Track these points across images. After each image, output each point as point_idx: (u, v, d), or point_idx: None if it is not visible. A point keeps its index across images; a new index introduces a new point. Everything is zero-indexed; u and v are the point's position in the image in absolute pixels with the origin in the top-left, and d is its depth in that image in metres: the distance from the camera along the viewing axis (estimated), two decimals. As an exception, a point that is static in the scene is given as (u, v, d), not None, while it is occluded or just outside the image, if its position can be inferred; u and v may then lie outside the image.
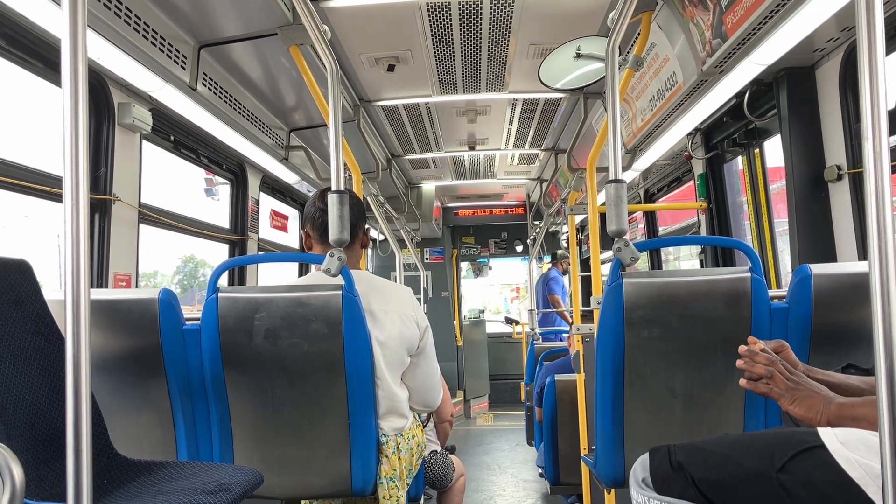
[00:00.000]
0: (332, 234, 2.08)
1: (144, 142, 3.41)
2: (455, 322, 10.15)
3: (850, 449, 1.25)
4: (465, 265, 11.31)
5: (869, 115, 1.01)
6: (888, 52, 2.63)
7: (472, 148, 6.26)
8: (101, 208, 3.07)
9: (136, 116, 3.14)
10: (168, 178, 4.19)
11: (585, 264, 8.16)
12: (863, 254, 2.96)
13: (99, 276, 3.06)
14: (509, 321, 10.46)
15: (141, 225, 3.42)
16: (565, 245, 9.95)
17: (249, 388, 2.19)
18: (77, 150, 1.04)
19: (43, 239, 3.91)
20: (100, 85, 3.02)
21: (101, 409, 1.81)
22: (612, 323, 2.11)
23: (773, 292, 2.36)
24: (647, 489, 1.45)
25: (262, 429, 2.23)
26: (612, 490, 2.94)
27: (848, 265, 2.23)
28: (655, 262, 6.46)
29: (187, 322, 2.22)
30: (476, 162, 7.16)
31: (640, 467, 1.50)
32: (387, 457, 2.27)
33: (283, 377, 2.17)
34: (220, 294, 2.14)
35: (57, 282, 3.20)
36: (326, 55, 2.18)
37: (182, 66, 3.08)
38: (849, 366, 1.74)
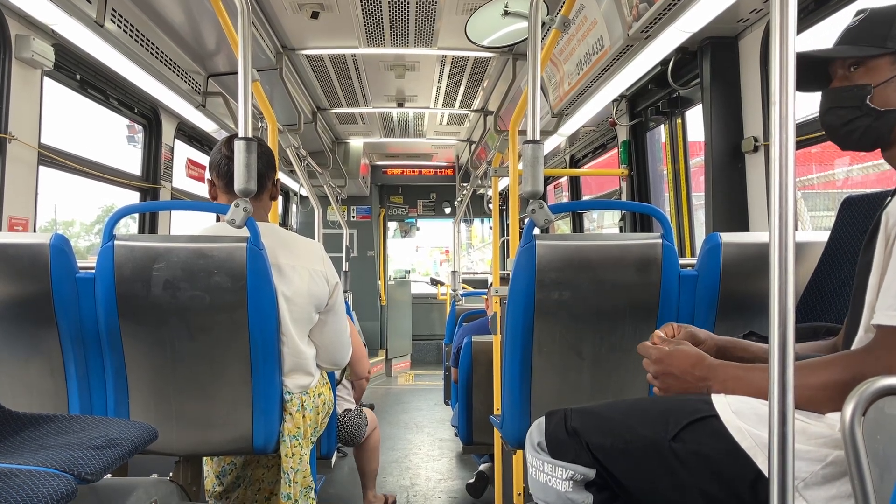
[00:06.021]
0: (238, 184, 2.00)
1: (47, 79, 3.20)
2: (380, 282, 10.09)
3: (742, 418, 1.26)
4: (392, 225, 11.21)
5: (777, 86, 0.99)
6: (801, 29, 2.66)
7: (400, 105, 6.16)
8: (-7, 146, 2.87)
9: (35, 51, 2.92)
10: (89, 124, 3.99)
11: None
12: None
13: (-9, 219, 2.88)
14: (434, 282, 10.48)
15: (43, 168, 3.22)
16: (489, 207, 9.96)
17: (147, 341, 2.10)
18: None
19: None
20: (-5, 14, 2.80)
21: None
22: (523, 284, 2.09)
23: (686, 260, 2.38)
24: (542, 453, 1.44)
25: (160, 382, 2.14)
26: (519, 451, 2.97)
27: (756, 235, 2.26)
28: (578, 230, 6.50)
29: (82, 270, 2.11)
30: (405, 120, 7.05)
31: (536, 431, 1.48)
32: (290, 414, 2.22)
33: (183, 330, 2.08)
34: (116, 242, 2.03)
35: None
36: (238, -9, 2.06)
37: (87, 0, 2.88)
38: (750, 333, 1.76)
